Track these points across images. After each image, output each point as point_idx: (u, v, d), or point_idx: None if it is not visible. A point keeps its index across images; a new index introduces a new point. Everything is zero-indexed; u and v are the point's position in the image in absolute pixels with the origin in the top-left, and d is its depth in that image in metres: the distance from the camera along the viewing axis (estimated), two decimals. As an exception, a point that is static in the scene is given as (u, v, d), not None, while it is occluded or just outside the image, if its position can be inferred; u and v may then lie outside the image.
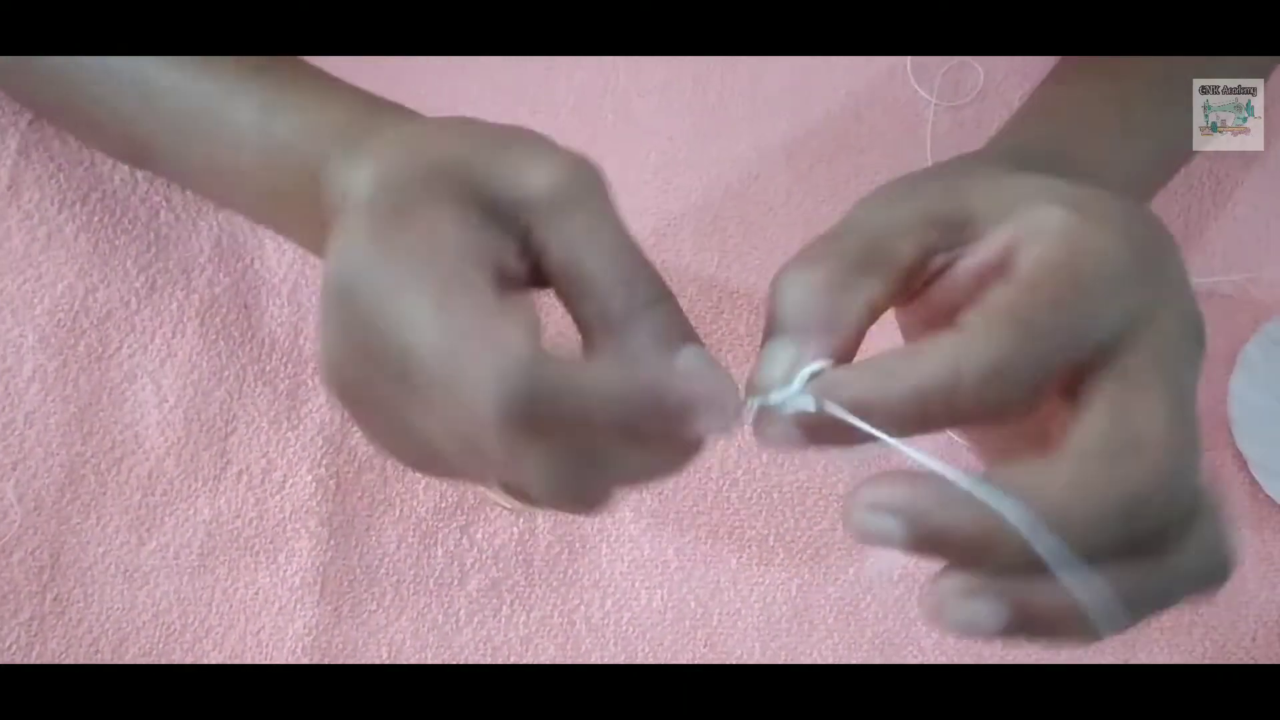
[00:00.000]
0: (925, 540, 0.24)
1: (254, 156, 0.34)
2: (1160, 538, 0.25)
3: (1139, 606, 0.25)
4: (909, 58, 0.50)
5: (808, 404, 0.25)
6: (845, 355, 0.27)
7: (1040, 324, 0.25)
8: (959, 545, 0.24)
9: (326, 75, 0.35)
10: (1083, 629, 0.25)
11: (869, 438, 0.25)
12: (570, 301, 0.27)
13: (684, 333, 0.27)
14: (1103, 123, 0.39)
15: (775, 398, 0.26)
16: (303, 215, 0.32)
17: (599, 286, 0.26)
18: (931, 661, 0.43)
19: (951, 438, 0.42)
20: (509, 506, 0.27)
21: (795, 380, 0.26)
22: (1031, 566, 0.24)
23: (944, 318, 0.28)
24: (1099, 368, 0.25)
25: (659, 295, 0.27)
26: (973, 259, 0.28)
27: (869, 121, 0.49)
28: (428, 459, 0.28)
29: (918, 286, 0.28)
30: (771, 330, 0.27)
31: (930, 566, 0.25)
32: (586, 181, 0.27)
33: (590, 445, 0.26)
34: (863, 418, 0.25)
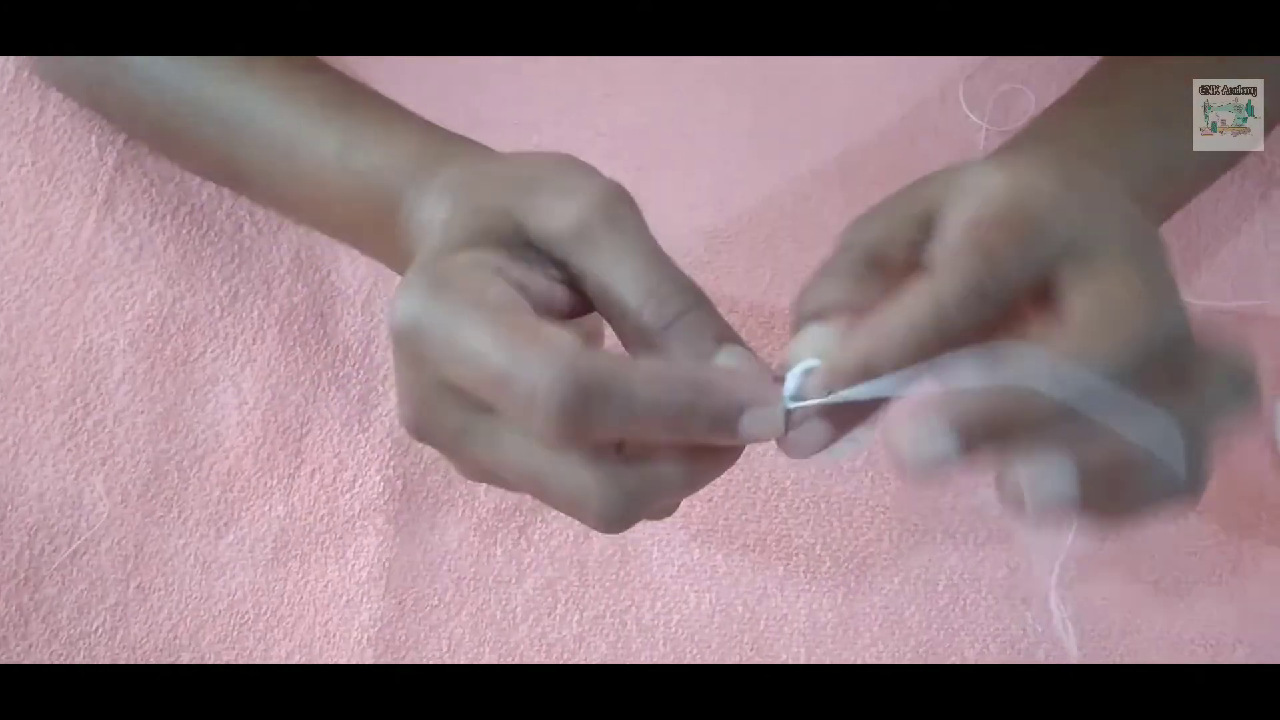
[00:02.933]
0: (981, 437, 0.26)
1: (334, 189, 0.37)
2: (1172, 375, 0.27)
3: (1185, 435, 0.27)
4: (961, 84, 0.51)
5: (817, 395, 0.27)
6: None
7: (997, 243, 0.27)
8: (1011, 424, 0.26)
9: (399, 110, 0.38)
10: (1150, 470, 0.26)
11: (879, 400, 0.27)
12: (612, 322, 0.30)
13: (720, 334, 0.29)
14: (1091, 148, 0.40)
15: (788, 403, 0.28)
16: (379, 239, 0.35)
17: (630, 304, 0.29)
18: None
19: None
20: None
21: (791, 380, 0.28)
22: (1075, 429, 0.26)
23: None
24: (1066, 275, 0.28)
25: (691, 304, 0.29)
26: (946, 235, 0.30)
27: (922, 145, 0.51)
28: (505, 481, 0.30)
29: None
30: (795, 329, 0.30)
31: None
32: (611, 211, 0.29)
33: (638, 455, 0.28)
34: (872, 374, 0.27)
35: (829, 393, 0.27)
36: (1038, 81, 0.52)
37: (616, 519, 0.28)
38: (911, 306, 0.27)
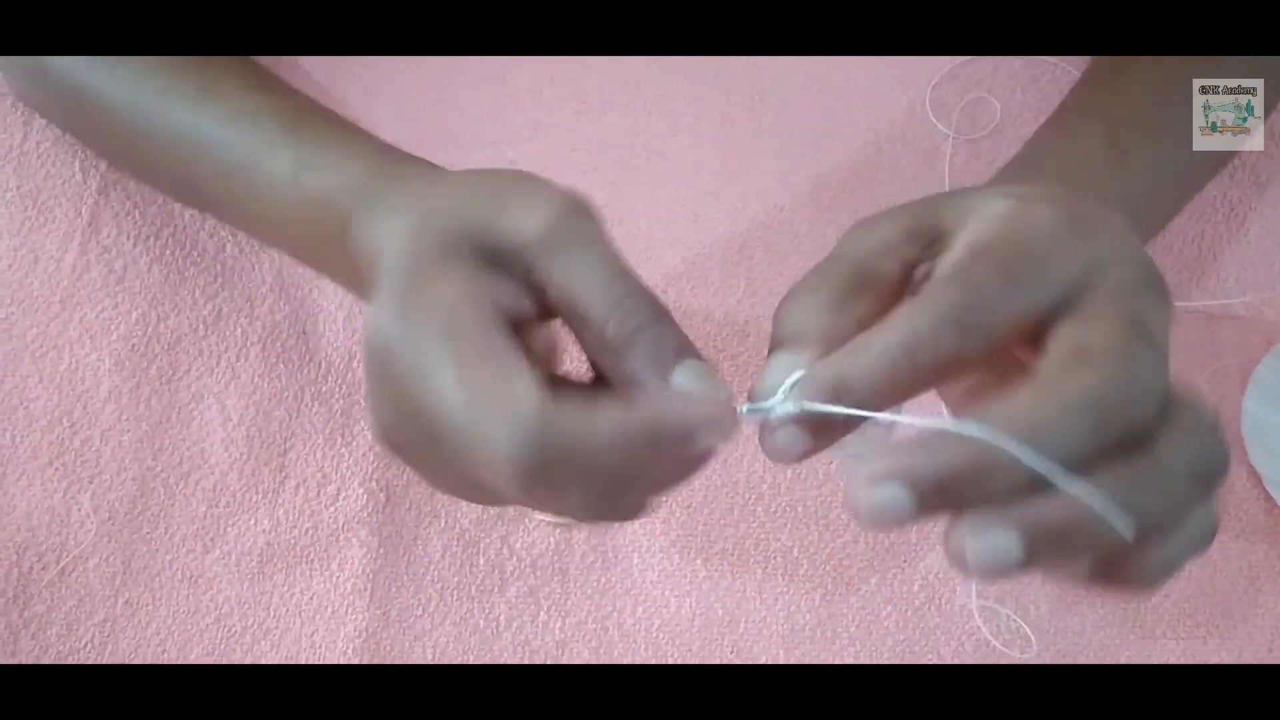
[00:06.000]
0: (929, 491, 0.25)
1: (289, 208, 0.38)
2: (1137, 435, 0.26)
3: (1143, 504, 0.26)
4: (928, 93, 0.52)
5: (790, 408, 0.28)
6: None
7: (982, 276, 0.28)
8: (959, 484, 0.25)
9: (354, 130, 0.39)
10: (1099, 534, 0.25)
11: (862, 418, 0.27)
12: (574, 331, 0.30)
13: (679, 348, 0.29)
14: (1094, 162, 0.41)
15: (763, 404, 0.28)
16: (334, 259, 0.36)
17: (594, 314, 0.29)
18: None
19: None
20: (555, 521, 0.31)
21: (780, 389, 0.28)
22: (1031, 488, 0.25)
23: None
24: (1059, 319, 0.28)
25: (653, 317, 0.29)
26: (944, 261, 0.30)
27: (890, 155, 0.52)
28: (471, 495, 0.31)
29: (903, 295, 0.31)
30: (772, 349, 0.30)
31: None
32: (577, 220, 0.30)
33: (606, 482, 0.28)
34: (845, 396, 0.27)
35: (802, 406, 0.28)
36: (1003, 89, 0.53)
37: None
38: (885, 331, 0.28)
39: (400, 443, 0.30)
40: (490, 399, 0.27)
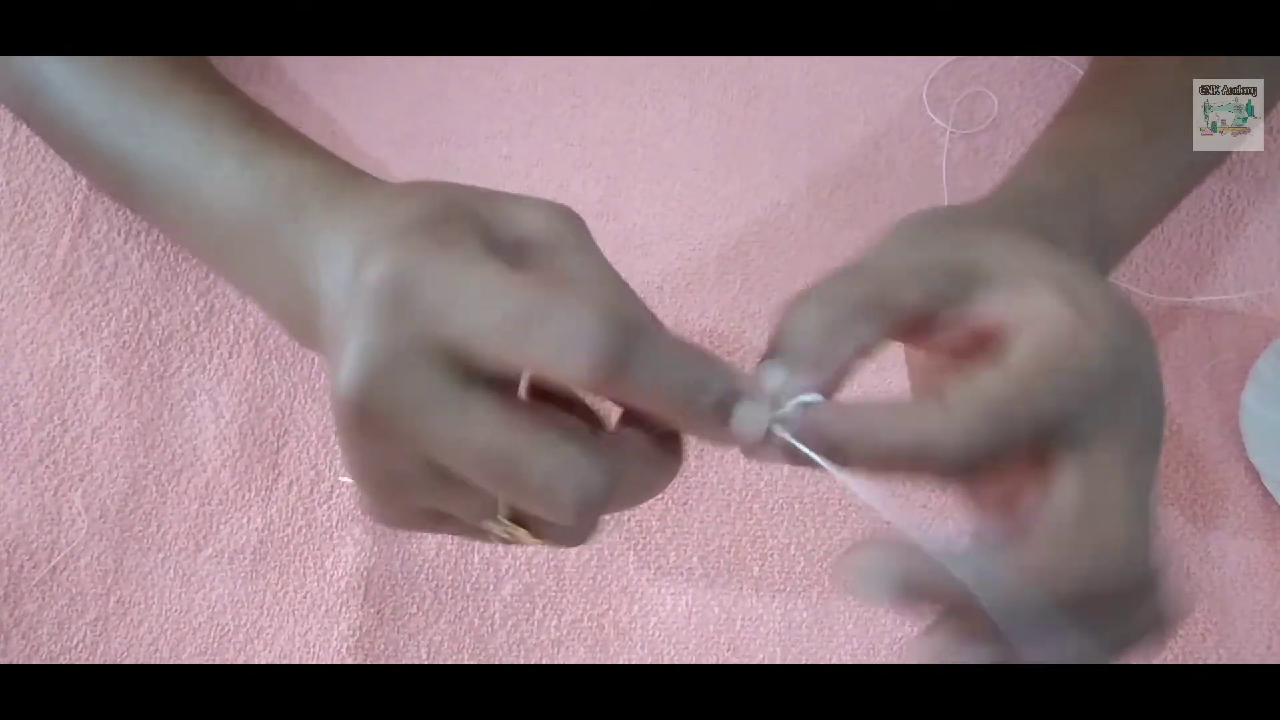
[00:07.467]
0: (913, 603, 0.28)
1: (228, 205, 0.36)
2: (1113, 611, 0.29)
3: (1079, 656, 0.29)
4: (925, 88, 0.52)
5: (785, 434, 0.28)
6: (831, 388, 0.29)
7: (1016, 420, 0.28)
8: (942, 607, 0.28)
9: (303, 137, 0.38)
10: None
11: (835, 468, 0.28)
12: None
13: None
14: (1121, 159, 0.41)
15: (765, 417, 0.28)
16: (260, 267, 0.34)
17: None
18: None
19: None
20: (504, 536, 0.30)
21: (787, 406, 0.28)
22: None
23: (942, 355, 0.32)
24: (1066, 448, 0.28)
25: (656, 321, 0.29)
26: (974, 315, 0.30)
27: (887, 149, 0.51)
28: (436, 491, 0.29)
29: (920, 326, 0.31)
30: (770, 350, 0.30)
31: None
32: (575, 224, 0.30)
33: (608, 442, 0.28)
34: (835, 456, 0.28)
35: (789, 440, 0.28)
36: (1000, 84, 0.52)
37: (594, 499, 0.27)
38: (901, 427, 0.28)
39: (387, 387, 0.26)
40: (566, 285, 0.26)
